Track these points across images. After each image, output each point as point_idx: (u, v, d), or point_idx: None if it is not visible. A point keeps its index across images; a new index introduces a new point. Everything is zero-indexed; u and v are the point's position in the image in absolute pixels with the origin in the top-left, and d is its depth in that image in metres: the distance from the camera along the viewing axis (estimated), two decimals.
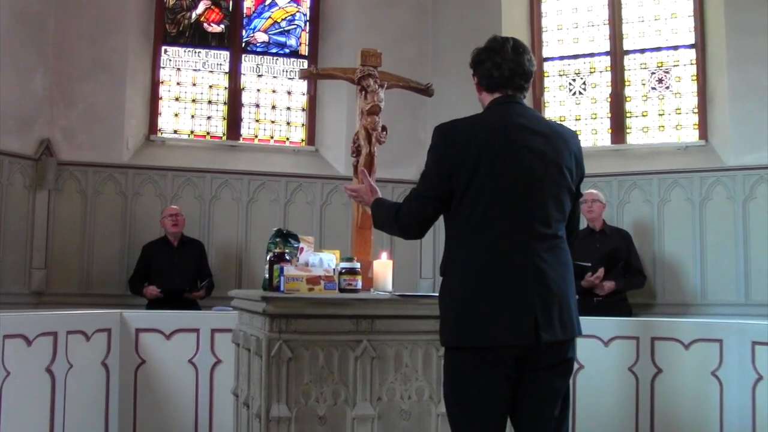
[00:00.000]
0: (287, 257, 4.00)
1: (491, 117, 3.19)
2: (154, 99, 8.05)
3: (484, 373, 3.02)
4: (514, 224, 3.04)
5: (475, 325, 3.01)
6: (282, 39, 8.54)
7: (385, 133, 4.52)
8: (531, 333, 2.98)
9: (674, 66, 7.93)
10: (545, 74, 8.32)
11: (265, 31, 8.52)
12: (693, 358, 5.21)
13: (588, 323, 5.22)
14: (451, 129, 3.16)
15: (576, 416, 5.27)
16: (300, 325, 3.74)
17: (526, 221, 3.05)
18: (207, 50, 8.31)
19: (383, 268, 4.09)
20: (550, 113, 8.23)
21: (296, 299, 3.74)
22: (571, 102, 8.25)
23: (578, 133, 8.03)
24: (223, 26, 8.39)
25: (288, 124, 8.45)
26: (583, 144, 7.81)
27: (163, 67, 8.14)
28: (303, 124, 8.47)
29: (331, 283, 3.84)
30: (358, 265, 3.98)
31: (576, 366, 5.20)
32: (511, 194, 3.04)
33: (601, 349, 5.37)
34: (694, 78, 7.82)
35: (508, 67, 3.19)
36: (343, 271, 3.94)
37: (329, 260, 4.02)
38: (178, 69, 8.20)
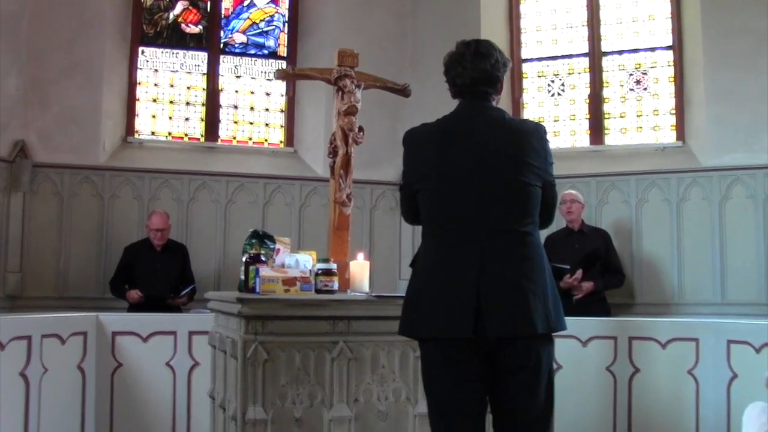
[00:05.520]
0: (263, 258, 3.99)
1: (450, 120, 3.27)
2: (131, 100, 7.98)
3: (443, 371, 3.10)
4: (463, 222, 3.11)
5: (415, 316, 3.14)
6: (260, 40, 8.50)
7: (362, 133, 4.52)
8: (469, 327, 3.00)
9: (652, 68, 7.96)
10: (524, 75, 8.33)
11: (244, 32, 8.48)
12: (670, 357, 5.25)
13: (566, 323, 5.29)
14: (410, 134, 3.32)
15: (555, 416, 5.27)
16: (276, 326, 3.74)
17: (477, 219, 3.10)
18: (185, 51, 8.25)
19: (360, 269, 4.08)
20: (529, 114, 8.24)
21: (272, 301, 3.73)
22: (550, 103, 8.25)
23: (557, 134, 8.10)
24: (200, 27, 8.34)
25: (266, 125, 8.41)
26: (561, 145, 7.95)
27: (141, 68, 8.06)
28: (282, 126, 8.43)
29: (308, 284, 3.84)
30: (334, 266, 3.97)
31: (555, 366, 5.25)
32: (463, 194, 3.11)
33: (579, 349, 5.39)
34: (672, 80, 7.86)
35: (468, 75, 3.24)
36: (320, 272, 3.94)
37: (305, 261, 4.01)
38: (156, 70, 8.13)
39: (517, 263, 3.08)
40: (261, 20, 8.53)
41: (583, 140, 8.11)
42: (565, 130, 8.17)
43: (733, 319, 5.77)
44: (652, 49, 7.98)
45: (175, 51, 8.21)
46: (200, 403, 5.17)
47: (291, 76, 4.99)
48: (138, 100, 8.04)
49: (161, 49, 8.17)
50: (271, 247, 4.11)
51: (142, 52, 8.09)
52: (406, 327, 3.20)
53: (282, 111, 8.46)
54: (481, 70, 3.23)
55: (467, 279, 3.04)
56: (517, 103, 8.24)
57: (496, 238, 3.09)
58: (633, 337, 5.34)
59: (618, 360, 5.34)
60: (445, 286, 3.07)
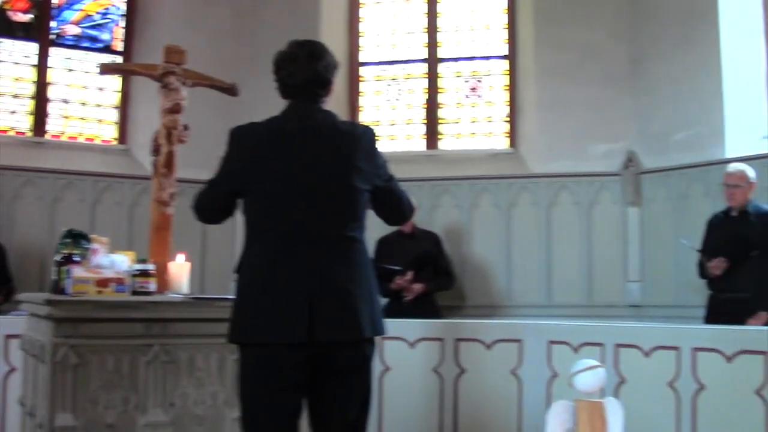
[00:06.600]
0: (77, 258, 3.84)
1: (280, 121, 3.23)
2: None
3: (267, 376, 3.04)
4: (295, 225, 3.09)
5: (249, 322, 3.06)
6: (95, 33, 8.22)
7: (187, 132, 4.43)
8: (303, 331, 2.99)
9: (487, 76, 8.18)
10: (361, 79, 8.40)
11: (77, 24, 8.17)
12: (495, 358, 5.36)
13: (394, 325, 5.24)
14: (238, 132, 3.23)
15: (383, 418, 5.33)
16: (88, 329, 3.61)
17: (308, 223, 3.09)
18: (12, 40, 7.86)
19: (179, 270, 4.00)
20: (366, 118, 8.31)
21: (83, 302, 3.60)
22: (387, 107, 8.36)
23: (392, 138, 8.22)
24: (30, 16, 7.97)
25: (99, 121, 8.14)
26: (397, 149, 8.03)
27: None
28: (115, 122, 8.18)
29: (122, 285, 3.72)
30: (151, 267, 3.87)
31: (382, 368, 5.32)
32: (292, 196, 3.09)
33: (406, 351, 5.45)
34: (506, 88, 8.10)
35: (301, 76, 3.21)
36: (136, 273, 3.82)
37: (121, 262, 3.88)
38: None
39: (346, 268, 3.10)
40: (96, 12, 8.24)
41: (418, 145, 8.24)
42: (401, 134, 8.29)
43: (557, 321, 5.99)
44: (488, 58, 8.20)
45: (0, 40, 7.81)
46: (15, 411, 4.91)
47: (115, 71, 4.87)
48: None
49: None
50: (87, 246, 3.96)
51: None
52: (237, 333, 3.12)
53: (116, 107, 8.20)
54: (314, 71, 3.22)
55: (299, 283, 3.03)
56: (354, 106, 8.30)
57: (326, 242, 3.09)
58: (459, 338, 5.43)
59: (445, 361, 5.42)
60: (278, 291, 3.03)
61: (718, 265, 5.91)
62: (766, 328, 4.80)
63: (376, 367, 5.12)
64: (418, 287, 6.66)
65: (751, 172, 6.00)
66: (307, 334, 2.99)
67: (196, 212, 3.36)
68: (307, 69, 3.21)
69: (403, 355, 5.43)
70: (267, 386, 3.05)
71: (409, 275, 6.60)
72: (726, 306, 5.85)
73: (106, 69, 4.93)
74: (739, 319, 5.53)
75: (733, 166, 6.11)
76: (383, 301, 6.52)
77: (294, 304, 3.01)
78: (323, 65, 3.24)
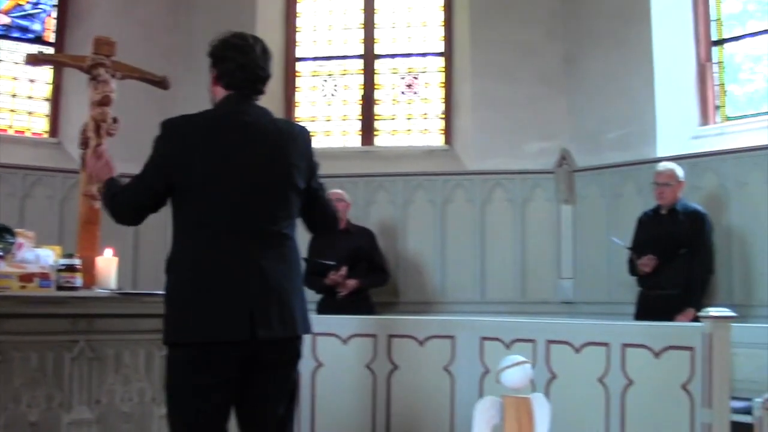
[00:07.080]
0: (0, 253, 3.75)
1: (219, 115, 3.18)
2: None
3: (202, 375, 3.00)
4: (234, 222, 3.04)
5: (190, 321, 3.00)
6: (25, 23, 8.04)
7: (116, 125, 4.36)
8: (246, 329, 2.98)
9: (423, 72, 8.21)
10: (298, 74, 8.36)
11: (7, 13, 7.98)
12: (427, 355, 5.38)
13: (327, 321, 5.36)
14: (175, 124, 3.14)
15: (315, 414, 5.33)
16: (10, 325, 3.53)
17: (247, 219, 3.06)
18: None
19: (107, 265, 3.93)
20: (301, 113, 8.29)
21: (5, 298, 3.52)
22: (323, 103, 8.33)
23: (328, 134, 8.22)
24: None
25: (29, 113, 7.98)
26: (332, 145, 8.03)
27: None
28: (46, 115, 8.02)
29: (47, 280, 3.65)
30: (77, 261, 3.80)
31: (315, 364, 5.30)
32: (232, 192, 3.05)
33: (339, 347, 5.43)
34: (441, 85, 8.14)
35: (256, 71, 3.19)
36: (62, 267, 3.75)
37: (47, 256, 3.81)
38: None
39: (282, 265, 3.10)
40: (27, 2, 8.06)
41: (353, 141, 8.24)
42: (336, 130, 8.27)
43: (490, 317, 6.04)
44: (424, 55, 8.23)
45: None
46: None
47: (42, 62, 4.76)
48: None
49: None
50: (11, 241, 3.87)
51: None
52: (178, 332, 3.04)
53: (47, 99, 8.04)
54: (264, 68, 3.21)
55: (240, 280, 3.00)
56: (290, 101, 8.26)
57: (264, 239, 3.08)
58: (392, 334, 5.43)
59: (378, 358, 5.42)
60: (218, 288, 2.99)
61: (647, 263, 6.04)
62: (693, 324, 4.88)
63: (309, 363, 5.15)
64: (351, 283, 6.65)
65: (680, 171, 6.14)
66: (249, 332, 2.97)
67: (115, 212, 3.25)
68: (263, 65, 3.21)
69: (336, 351, 5.42)
70: (204, 385, 3.01)
71: (343, 270, 6.59)
72: (655, 303, 5.98)
73: (32, 60, 4.81)
74: (668, 315, 5.65)
75: (663, 165, 6.24)
76: (317, 296, 6.55)
77: (235, 301, 2.99)
78: (270, 63, 3.26)
